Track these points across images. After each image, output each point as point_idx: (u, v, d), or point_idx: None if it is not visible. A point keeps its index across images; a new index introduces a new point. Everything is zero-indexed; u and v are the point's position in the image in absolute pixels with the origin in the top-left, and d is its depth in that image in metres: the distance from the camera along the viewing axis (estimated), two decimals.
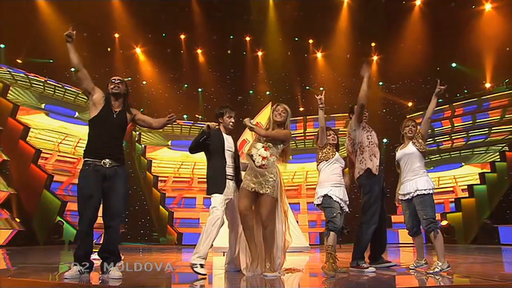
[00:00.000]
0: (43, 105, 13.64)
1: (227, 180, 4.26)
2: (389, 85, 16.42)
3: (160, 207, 14.96)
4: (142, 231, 14.92)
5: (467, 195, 13.51)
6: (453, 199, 13.90)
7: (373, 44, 16.63)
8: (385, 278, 4.17)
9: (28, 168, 12.16)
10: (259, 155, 4.09)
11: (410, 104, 16.03)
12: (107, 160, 3.84)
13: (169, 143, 16.40)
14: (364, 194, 4.73)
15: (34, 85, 13.70)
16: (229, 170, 4.32)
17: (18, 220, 11.31)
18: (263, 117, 10.35)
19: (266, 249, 4.13)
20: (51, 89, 14.08)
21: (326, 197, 4.29)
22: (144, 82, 16.82)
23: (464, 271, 4.71)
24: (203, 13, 16.16)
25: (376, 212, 4.64)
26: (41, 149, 12.58)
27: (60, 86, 14.22)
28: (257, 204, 4.18)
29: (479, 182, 13.45)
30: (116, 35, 16.08)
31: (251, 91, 17.31)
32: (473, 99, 14.81)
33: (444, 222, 12.72)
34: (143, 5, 15.29)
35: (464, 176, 14.29)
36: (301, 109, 16.62)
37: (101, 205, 3.89)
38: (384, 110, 16.05)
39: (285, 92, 16.56)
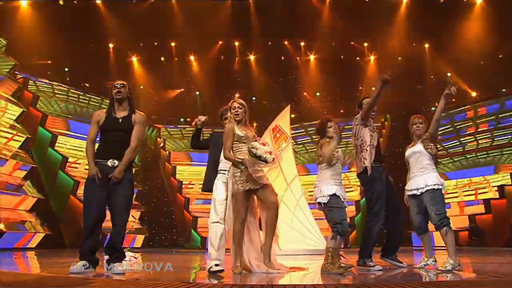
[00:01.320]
0: (70, 116, 14.13)
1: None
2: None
3: (185, 211, 15.13)
4: (168, 236, 15.15)
5: (498, 196, 12.96)
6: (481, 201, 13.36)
7: (426, 45, 16.12)
8: (392, 275, 4.06)
9: (56, 175, 12.66)
10: (265, 151, 3.94)
11: (474, 94, 15.40)
12: (111, 161, 4.01)
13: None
14: (366, 191, 4.71)
15: (57, 94, 14.23)
16: None
17: (46, 224, 11.75)
18: (278, 120, 10.34)
19: (269, 234, 4.14)
20: (75, 98, 14.60)
21: (333, 196, 4.16)
22: (198, 93, 17.45)
23: (477, 270, 4.55)
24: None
25: (381, 208, 4.56)
26: (68, 156, 13.04)
27: (83, 94, 14.71)
28: (261, 198, 4.16)
29: (510, 183, 12.89)
30: (173, 44, 16.66)
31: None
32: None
33: None
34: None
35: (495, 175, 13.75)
36: None
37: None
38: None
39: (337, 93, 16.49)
